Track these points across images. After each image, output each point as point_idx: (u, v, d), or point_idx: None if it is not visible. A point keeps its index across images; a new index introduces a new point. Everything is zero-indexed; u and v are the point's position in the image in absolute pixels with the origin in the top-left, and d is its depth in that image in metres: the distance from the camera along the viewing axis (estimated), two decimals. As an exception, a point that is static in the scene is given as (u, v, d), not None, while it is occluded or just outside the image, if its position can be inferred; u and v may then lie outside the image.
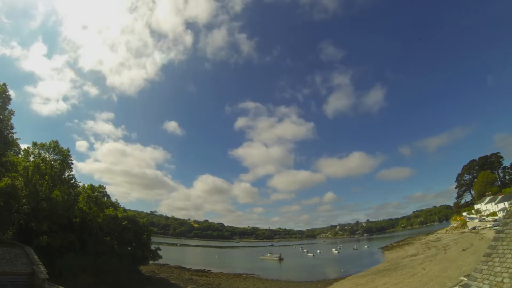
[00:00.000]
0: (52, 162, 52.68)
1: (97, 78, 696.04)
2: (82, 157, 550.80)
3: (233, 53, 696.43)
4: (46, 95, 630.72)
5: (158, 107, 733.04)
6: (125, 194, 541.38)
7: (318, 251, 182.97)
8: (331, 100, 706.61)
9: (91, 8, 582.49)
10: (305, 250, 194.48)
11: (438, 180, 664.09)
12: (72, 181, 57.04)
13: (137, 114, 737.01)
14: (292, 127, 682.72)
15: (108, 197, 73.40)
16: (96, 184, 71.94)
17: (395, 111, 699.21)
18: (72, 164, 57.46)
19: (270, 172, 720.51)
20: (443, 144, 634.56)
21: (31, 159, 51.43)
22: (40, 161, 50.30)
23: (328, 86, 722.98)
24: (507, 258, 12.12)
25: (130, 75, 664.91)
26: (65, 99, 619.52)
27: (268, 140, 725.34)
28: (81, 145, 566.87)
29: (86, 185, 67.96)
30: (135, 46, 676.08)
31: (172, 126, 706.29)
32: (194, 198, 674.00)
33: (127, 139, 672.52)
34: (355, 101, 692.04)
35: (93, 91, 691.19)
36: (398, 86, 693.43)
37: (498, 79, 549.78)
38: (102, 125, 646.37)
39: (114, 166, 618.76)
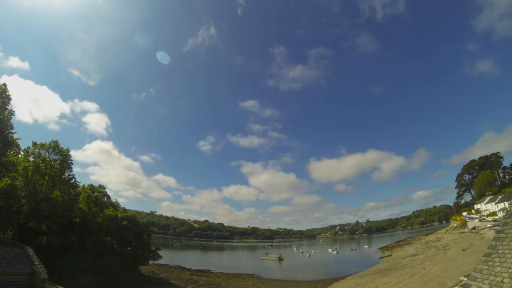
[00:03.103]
0: (52, 162, 52.60)
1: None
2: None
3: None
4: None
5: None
6: (125, 194, 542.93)
7: (313, 251, 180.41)
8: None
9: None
10: (301, 251, 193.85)
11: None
12: (72, 181, 56.89)
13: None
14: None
15: (108, 197, 73.54)
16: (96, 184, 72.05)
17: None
18: (72, 164, 57.53)
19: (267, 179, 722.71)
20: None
21: (31, 159, 51.39)
22: (40, 161, 50.15)
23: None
24: (507, 258, 12.12)
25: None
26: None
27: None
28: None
29: (86, 185, 67.93)
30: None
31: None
32: (197, 202, 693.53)
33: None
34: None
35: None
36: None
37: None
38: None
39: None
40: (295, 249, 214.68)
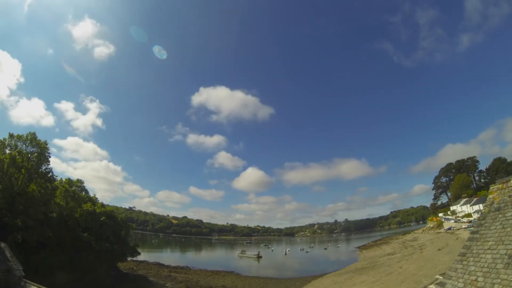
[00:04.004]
0: (29, 155, 50.99)
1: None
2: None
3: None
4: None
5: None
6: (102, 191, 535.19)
7: (288, 249, 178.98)
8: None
9: None
10: (272, 249, 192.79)
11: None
12: (49, 175, 55.41)
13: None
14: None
15: (86, 191, 71.82)
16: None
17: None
18: (50, 157, 56.03)
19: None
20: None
21: (7, 151, 49.76)
22: (17, 154, 48.38)
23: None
24: (481, 258, 12.53)
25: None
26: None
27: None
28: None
29: (63, 179, 66.37)
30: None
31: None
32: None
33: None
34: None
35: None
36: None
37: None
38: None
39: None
40: (264, 247, 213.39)
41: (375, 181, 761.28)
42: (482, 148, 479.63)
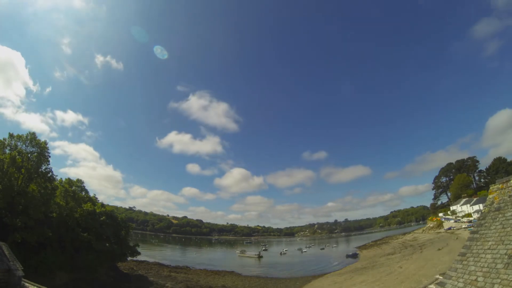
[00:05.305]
0: (29, 155, 50.93)
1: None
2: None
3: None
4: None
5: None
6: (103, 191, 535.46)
7: (285, 249, 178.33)
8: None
9: None
10: (264, 248, 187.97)
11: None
12: (49, 175, 55.26)
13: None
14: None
15: (86, 191, 71.53)
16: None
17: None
18: (50, 157, 55.91)
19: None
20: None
21: (7, 151, 49.68)
22: (16, 154, 48.34)
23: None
24: (481, 257, 12.53)
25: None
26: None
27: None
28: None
29: (63, 179, 66.28)
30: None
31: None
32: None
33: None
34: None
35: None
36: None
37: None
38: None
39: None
40: (263, 246, 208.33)
41: (369, 182, 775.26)
42: (465, 154, 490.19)
